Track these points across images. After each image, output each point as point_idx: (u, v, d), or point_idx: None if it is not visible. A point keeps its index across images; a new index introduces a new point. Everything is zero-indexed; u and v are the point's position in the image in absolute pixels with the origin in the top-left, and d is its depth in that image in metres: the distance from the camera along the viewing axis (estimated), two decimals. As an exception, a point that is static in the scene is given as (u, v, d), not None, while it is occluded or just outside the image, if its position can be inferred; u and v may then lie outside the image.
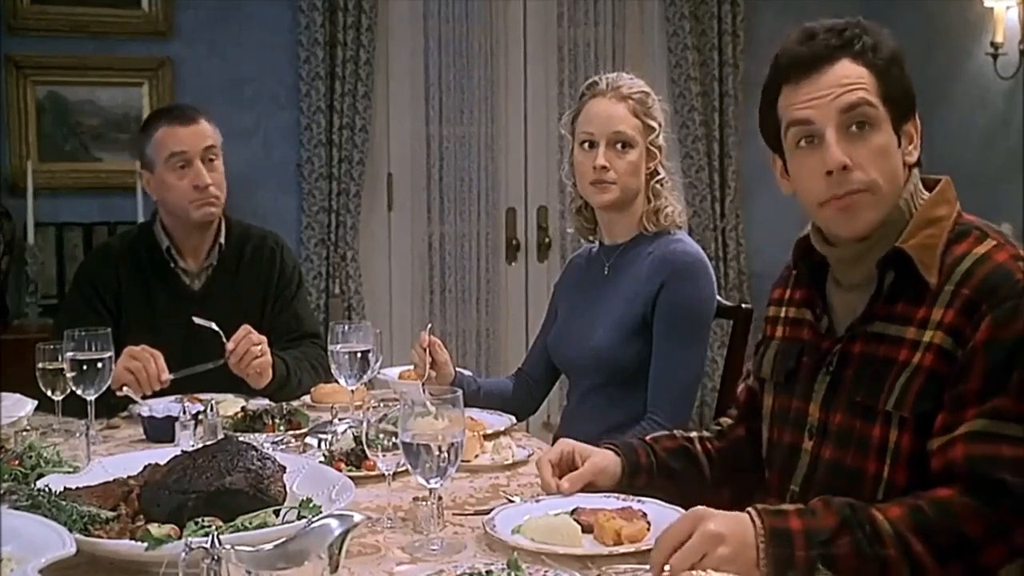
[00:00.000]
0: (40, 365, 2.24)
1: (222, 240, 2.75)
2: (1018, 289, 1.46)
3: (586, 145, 2.37)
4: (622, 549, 1.52)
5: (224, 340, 2.46)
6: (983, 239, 1.54)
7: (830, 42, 1.55)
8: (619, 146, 2.34)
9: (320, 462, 1.88)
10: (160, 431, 2.18)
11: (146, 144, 2.70)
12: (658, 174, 2.39)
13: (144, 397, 2.36)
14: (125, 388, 2.34)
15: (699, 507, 1.44)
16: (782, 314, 1.78)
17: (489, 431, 2.21)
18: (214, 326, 2.47)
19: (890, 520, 1.41)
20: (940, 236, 1.55)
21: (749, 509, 1.43)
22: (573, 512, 1.63)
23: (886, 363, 1.54)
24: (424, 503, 1.62)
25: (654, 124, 2.36)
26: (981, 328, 1.45)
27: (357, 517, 1.24)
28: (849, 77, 1.54)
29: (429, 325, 2.48)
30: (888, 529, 1.41)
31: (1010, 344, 1.44)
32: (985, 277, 1.48)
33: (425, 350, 2.36)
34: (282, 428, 2.21)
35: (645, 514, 1.62)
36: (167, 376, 2.41)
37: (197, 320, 2.49)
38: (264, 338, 2.51)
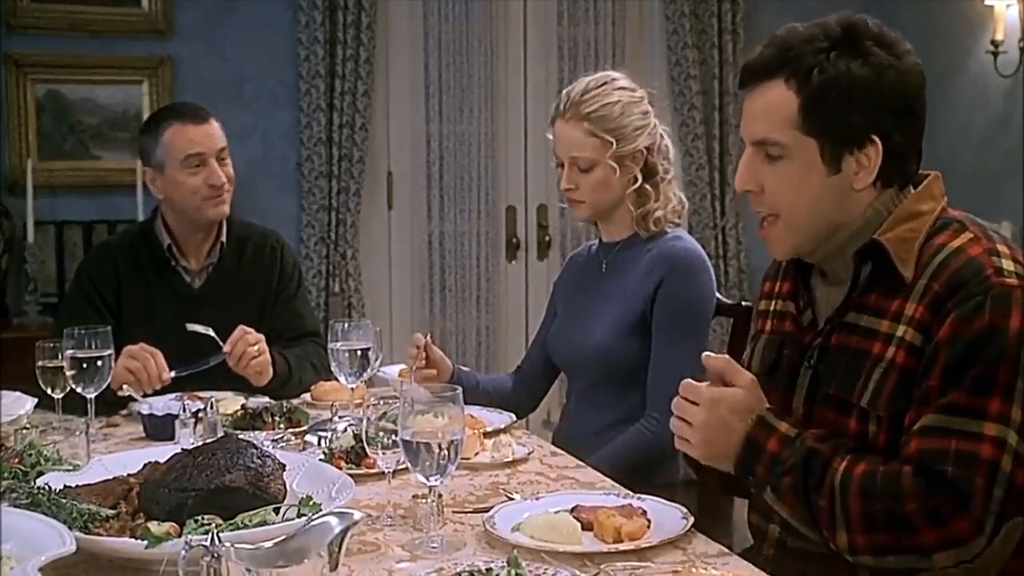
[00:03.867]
0: (40, 363, 2.24)
1: (223, 239, 2.74)
2: (985, 285, 1.45)
3: (556, 162, 2.39)
4: (622, 547, 1.52)
5: (220, 343, 2.46)
6: (961, 232, 1.53)
7: (774, 58, 1.55)
8: (579, 168, 2.34)
9: (320, 460, 1.88)
10: (160, 429, 2.18)
11: (154, 143, 2.66)
12: (637, 180, 2.36)
13: (144, 395, 2.36)
14: (125, 387, 2.33)
15: (726, 393, 1.55)
16: (771, 307, 1.78)
17: (489, 429, 2.21)
18: (211, 331, 2.47)
19: (843, 473, 1.46)
20: (920, 230, 1.54)
21: (759, 411, 1.54)
22: (573, 510, 1.63)
23: (859, 355, 1.54)
24: (424, 501, 1.62)
25: (611, 139, 2.30)
26: (945, 324, 1.45)
27: (357, 515, 1.24)
28: (770, 104, 1.54)
29: (428, 333, 2.48)
30: (835, 483, 1.46)
31: (969, 340, 1.44)
32: (956, 271, 1.47)
33: (420, 349, 2.36)
34: (282, 426, 2.20)
35: (645, 512, 1.62)
36: (167, 375, 2.41)
37: (191, 327, 2.48)
38: (261, 337, 2.51)
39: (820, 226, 1.57)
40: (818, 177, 1.54)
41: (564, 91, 2.39)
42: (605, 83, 2.35)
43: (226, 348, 2.46)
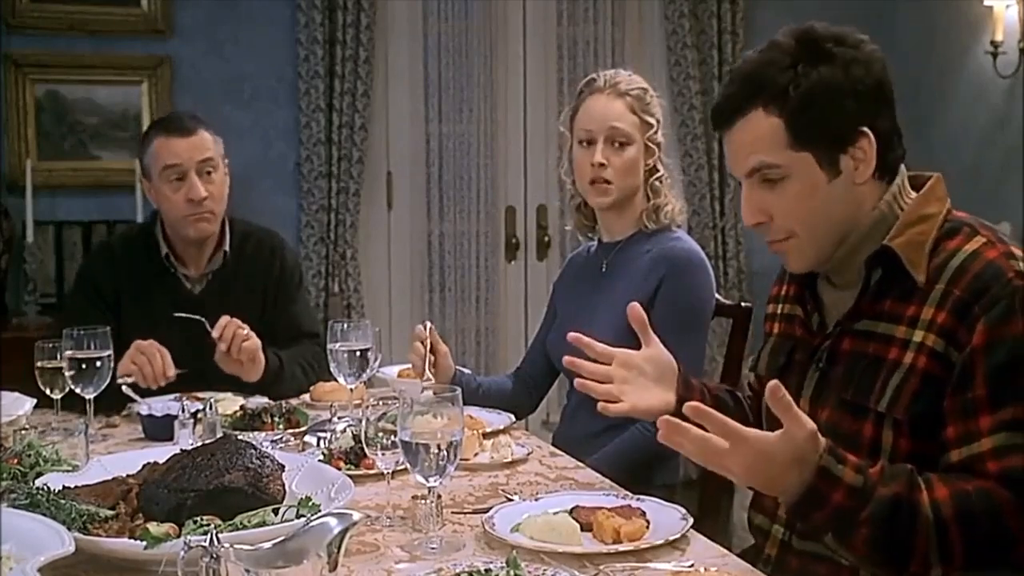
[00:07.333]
0: (39, 363, 2.24)
1: (226, 247, 2.73)
2: (1010, 288, 1.45)
3: (584, 143, 2.37)
4: (621, 547, 1.52)
5: (209, 328, 2.47)
6: (973, 236, 1.53)
7: (744, 91, 1.56)
8: (617, 143, 2.34)
9: (319, 460, 1.88)
10: (159, 429, 2.18)
11: (144, 153, 2.69)
12: (657, 171, 2.39)
13: (145, 395, 2.36)
14: (125, 388, 2.33)
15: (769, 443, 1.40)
16: (778, 311, 1.79)
17: (488, 429, 2.21)
18: (198, 317, 2.49)
19: (935, 502, 1.41)
20: (929, 233, 1.54)
21: (820, 462, 1.40)
22: (572, 510, 1.63)
23: (875, 361, 1.53)
24: (423, 501, 1.62)
25: (652, 121, 2.37)
26: (977, 332, 1.45)
27: (356, 516, 1.24)
28: (755, 133, 1.55)
29: (428, 323, 2.47)
30: (928, 515, 1.40)
31: (1009, 347, 1.43)
32: (976, 276, 1.47)
33: (424, 343, 2.35)
34: (281, 426, 2.21)
35: (644, 512, 1.62)
36: (172, 372, 2.41)
37: (179, 315, 2.49)
38: (246, 326, 2.52)
39: (836, 233, 1.58)
40: (822, 186, 1.55)
41: (594, 74, 2.41)
42: (631, 73, 2.41)
43: (216, 332, 2.46)
